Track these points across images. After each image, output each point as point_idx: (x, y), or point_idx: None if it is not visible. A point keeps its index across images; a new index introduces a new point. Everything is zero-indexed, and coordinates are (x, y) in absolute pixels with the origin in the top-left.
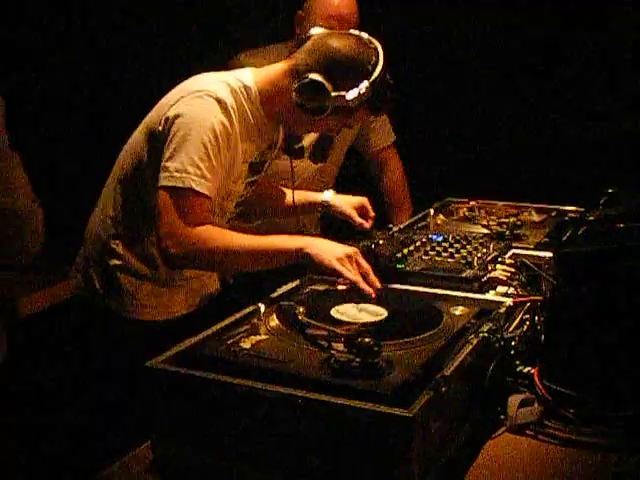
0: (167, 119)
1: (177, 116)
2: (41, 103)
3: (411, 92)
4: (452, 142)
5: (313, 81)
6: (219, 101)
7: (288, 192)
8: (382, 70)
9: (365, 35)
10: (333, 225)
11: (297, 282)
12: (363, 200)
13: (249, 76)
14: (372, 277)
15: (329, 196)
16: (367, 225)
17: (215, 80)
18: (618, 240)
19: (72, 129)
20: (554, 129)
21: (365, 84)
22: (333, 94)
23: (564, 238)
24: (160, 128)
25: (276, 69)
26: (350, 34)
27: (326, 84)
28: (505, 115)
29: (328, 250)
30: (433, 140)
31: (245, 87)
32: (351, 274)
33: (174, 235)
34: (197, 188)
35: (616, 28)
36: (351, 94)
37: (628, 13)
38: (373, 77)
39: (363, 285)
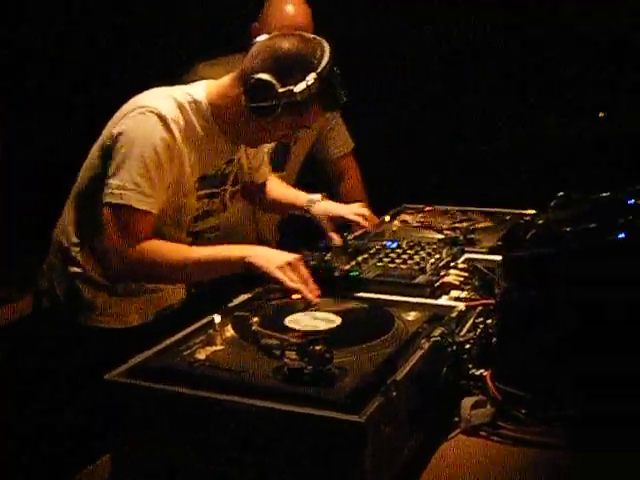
0: (112, 135)
1: (120, 133)
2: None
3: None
4: (410, 147)
5: (259, 80)
6: (161, 117)
7: (274, 188)
8: (329, 63)
9: (309, 35)
10: (293, 234)
11: (254, 292)
12: (343, 212)
13: (201, 90)
14: (312, 285)
15: (316, 199)
16: (337, 242)
17: (162, 95)
18: (560, 243)
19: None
20: (510, 133)
21: (312, 76)
22: (281, 90)
23: (512, 242)
24: (108, 143)
25: (227, 80)
26: (293, 33)
27: (273, 81)
28: (463, 120)
29: (270, 258)
30: (391, 145)
31: (195, 102)
32: (291, 282)
33: (116, 250)
34: (136, 205)
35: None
36: (299, 87)
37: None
38: (320, 69)
39: (305, 292)
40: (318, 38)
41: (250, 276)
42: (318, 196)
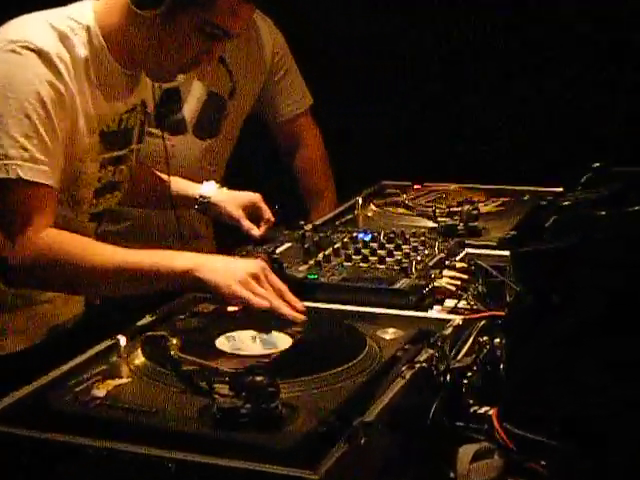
0: None
1: None
2: None
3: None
4: (389, 112)
5: None
6: (42, 54)
7: (165, 179)
8: None
9: None
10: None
11: (172, 304)
12: (255, 198)
13: (86, 11)
14: (289, 296)
15: (210, 190)
16: (257, 232)
17: (37, 24)
18: (592, 233)
19: None
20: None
21: None
22: None
23: (528, 231)
24: None
25: None
26: None
27: None
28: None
29: (226, 271)
30: (364, 109)
31: (80, 28)
32: (262, 300)
33: (6, 243)
34: (27, 176)
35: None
36: None
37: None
38: None
39: (285, 310)
40: None
41: None
42: (211, 184)
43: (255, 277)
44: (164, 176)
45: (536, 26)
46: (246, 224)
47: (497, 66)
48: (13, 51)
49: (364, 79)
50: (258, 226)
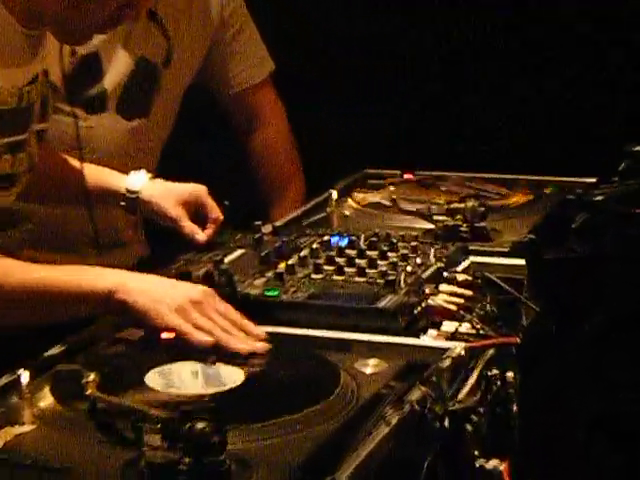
0: None
1: None
2: None
3: None
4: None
5: None
6: None
7: (79, 168)
8: None
9: None
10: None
11: (89, 329)
12: (198, 191)
13: None
14: (246, 325)
15: (139, 182)
16: (201, 237)
17: None
18: (632, 237)
19: None
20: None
21: None
22: None
23: (550, 235)
24: None
25: None
26: None
27: None
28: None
29: (159, 295)
30: (382, 94)
31: None
32: (204, 335)
33: None
34: None
35: None
36: None
37: None
38: None
39: (236, 344)
40: None
41: None
42: (142, 174)
43: (197, 304)
44: (77, 163)
45: (536, 26)
46: (187, 226)
47: (497, 66)
48: None
49: (362, 79)
50: (203, 228)
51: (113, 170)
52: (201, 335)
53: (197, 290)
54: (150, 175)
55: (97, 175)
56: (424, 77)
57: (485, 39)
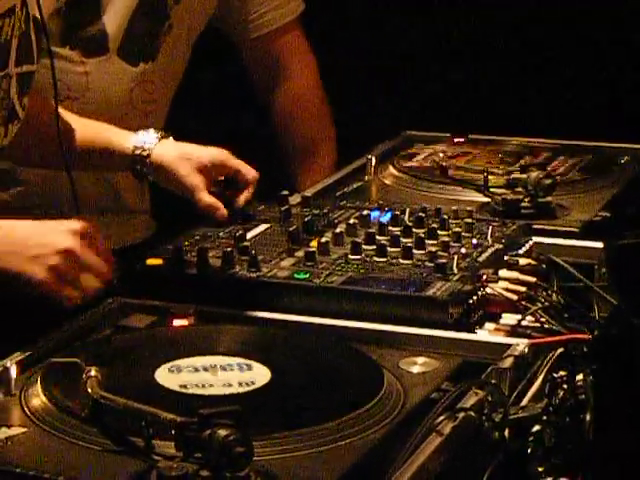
0: None
1: None
2: None
3: None
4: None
5: None
6: None
7: (77, 123)
8: None
9: None
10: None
11: (89, 314)
12: (222, 155)
13: None
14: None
15: (150, 141)
16: (223, 212)
17: None
18: None
19: None
20: None
21: None
22: None
23: (629, 214)
24: None
25: None
26: None
27: None
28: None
29: (25, 249)
30: (382, 94)
31: None
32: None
33: None
34: None
35: None
36: None
37: None
38: None
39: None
40: None
41: None
42: (150, 133)
43: (70, 254)
44: (71, 117)
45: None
46: (205, 199)
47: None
48: None
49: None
50: (228, 200)
51: (115, 127)
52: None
53: (70, 227)
54: (162, 133)
55: (97, 131)
56: (424, 77)
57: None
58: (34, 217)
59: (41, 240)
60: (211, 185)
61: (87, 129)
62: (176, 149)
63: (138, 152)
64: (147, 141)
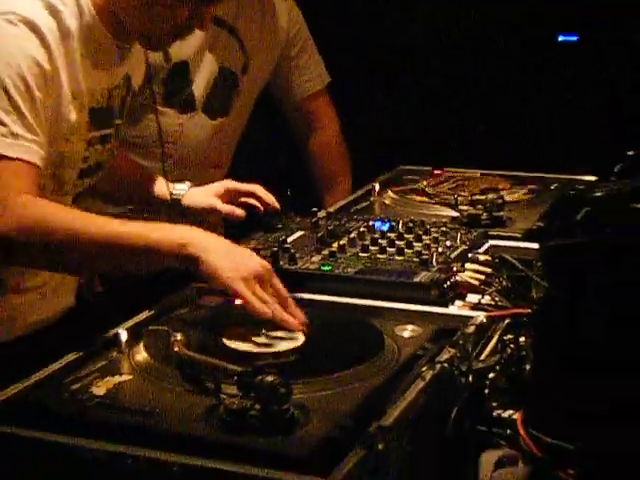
0: None
1: None
2: None
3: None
4: (409, 91)
5: None
6: (28, 24)
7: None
8: None
9: None
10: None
11: (178, 295)
12: (227, 183)
13: None
14: (293, 307)
15: (182, 189)
16: (240, 212)
17: None
18: (627, 227)
19: None
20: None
21: None
22: None
23: (556, 223)
24: None
25: None
26: None
27: None
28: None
29: (230, 261)
30: (382, 88)
31: (71, 0)
32: (264, 307)
33: None
34: (8, 153)
35: None
36: None
37: None
38: None
39: (285, 317)
40: None
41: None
42: (185, 185)
43: (259, 279)
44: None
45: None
46: (223, 207)
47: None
48: (1, 23)
49: (364, 74)
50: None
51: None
52: (262, 306)
53: (261, 265)
54: (190, 184)
55: (148, 180)
56: (424, 72)
57: (485, 34)
58: None
59: (244, 253)
60: (231, 203)
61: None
62: (197, 191)
63: (176, 197)
64: (182, 189)
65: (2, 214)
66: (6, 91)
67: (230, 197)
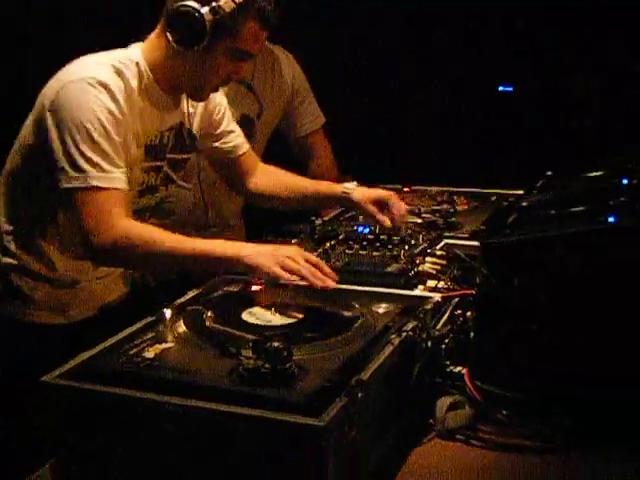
0: (51, 111)
1: (60, 108)
2: None
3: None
4: (386, 125)
5: (179, 7)
6: (102, 85)
7: (291, 180)
8: None
9: None
10: (258, 217)
11: (209, 284)
12: (389, 194)
13: (136, 50)
14: (325, 269)
15: (351, 187)
16: (388, 223)
17: (96, 62)
18: (543, 229)
19: None
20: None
21: None
22: (203, 10)
23: (493, 227)
24: (45, 121)
25: (156, 29)
26: None
27: (190, 3)
28: (442, 99)
29: (267, 256)
30: (365, 123)
31: (132, 63)
32: (292, 276)
33: (94, 233)
34: (100, 184)
35: None
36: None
37: None
38: None
39: (313, 280)
40: None
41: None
42: (353, 184)
43: (291, 259)
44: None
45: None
46: (380, 217)
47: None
48: (81, 84)
49: (352, 74)
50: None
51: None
52: (289, 276)
53: (291, 250)
54: (357, 183)
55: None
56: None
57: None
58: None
59: (278, 249)
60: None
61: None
62: (363, 190)
63: (346, 192)
64: (350, 186)
65: (109, 235)
66: (91, 137)
67: (379, 204)
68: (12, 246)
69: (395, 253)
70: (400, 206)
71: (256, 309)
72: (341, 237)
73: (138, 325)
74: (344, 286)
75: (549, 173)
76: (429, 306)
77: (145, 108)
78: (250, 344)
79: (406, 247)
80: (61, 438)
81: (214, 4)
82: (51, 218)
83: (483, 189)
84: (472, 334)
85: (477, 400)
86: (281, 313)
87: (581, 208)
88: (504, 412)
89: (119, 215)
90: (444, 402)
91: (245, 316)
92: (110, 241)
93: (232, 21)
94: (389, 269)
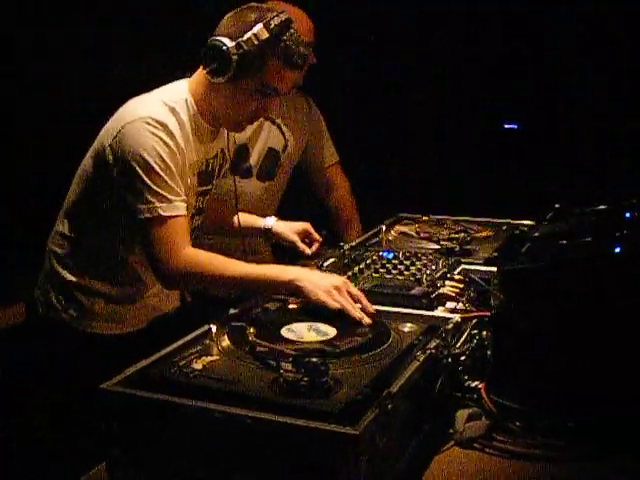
0: (113, 150)
1: (124, 147)
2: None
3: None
4: (404, 157)
5: (212, 41)
6: (160, 124)
7: (235, 213)
8: (279, 18)
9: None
10: (283, 245)
11: (250, 302)
12: (306, 225)
13: (183, 87)
14: (365, 302)
15: (271, 222)
16: (308, 251)
17: (153, 102)
18: (556, 257)
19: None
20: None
21: (259, 26)
22: (231, 44)
23: (507, 254)
24: (107, 158)
25: (199, 70)
26: (257, 6)
27: (221, 38)
28: (460, 132)
29: (317, 283)
30: (384, 155)
31: (181, 100)
32: (336, 304)
33: (165, 260)
34: (165, 213)
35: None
36: (246, 36)
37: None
38: (267, 20)
39: (353, 312)
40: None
41: None
42: (272, 218)
43: (337, 289)
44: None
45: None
46: (300, 245)
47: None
48: (140, 124)
49: (362, 87)
50: (310, 246)
51: (253, 210)
52: (334, 303)
53: (338, 280)
54: (276, 218)
55: (247, 218)
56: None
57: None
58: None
59: (325, 278)
60: (301, 239)
61: (243, 217)
62: (284, 224)
63: (267, 227)
64: (271, 222)
65: (175, 265)
66: (155, 172)
67: (301, 235)
68: (73, 264)
69: (418, 277)
70: (316, 236)
71: (294, 325)
72: (368, 262)
73: (186, 338)
74: (373, 307)
75: (557, 205)
76: (450, 326)
77: (195, 140)
78: (290, 358)
79: (427, 272)
80: (116, 441)
81: (240, 40)
82: (118, 245)
83: (494, 219)
84: (488, 352)
85: (492, 412)
86: (317, 329)
87: (589, 239)
88: (517, 423)
89: (183, 244)
90: (463, 414)
91: (284, 332)
92: (177, 271)
93: (257, 57)
94: (413, 291)
